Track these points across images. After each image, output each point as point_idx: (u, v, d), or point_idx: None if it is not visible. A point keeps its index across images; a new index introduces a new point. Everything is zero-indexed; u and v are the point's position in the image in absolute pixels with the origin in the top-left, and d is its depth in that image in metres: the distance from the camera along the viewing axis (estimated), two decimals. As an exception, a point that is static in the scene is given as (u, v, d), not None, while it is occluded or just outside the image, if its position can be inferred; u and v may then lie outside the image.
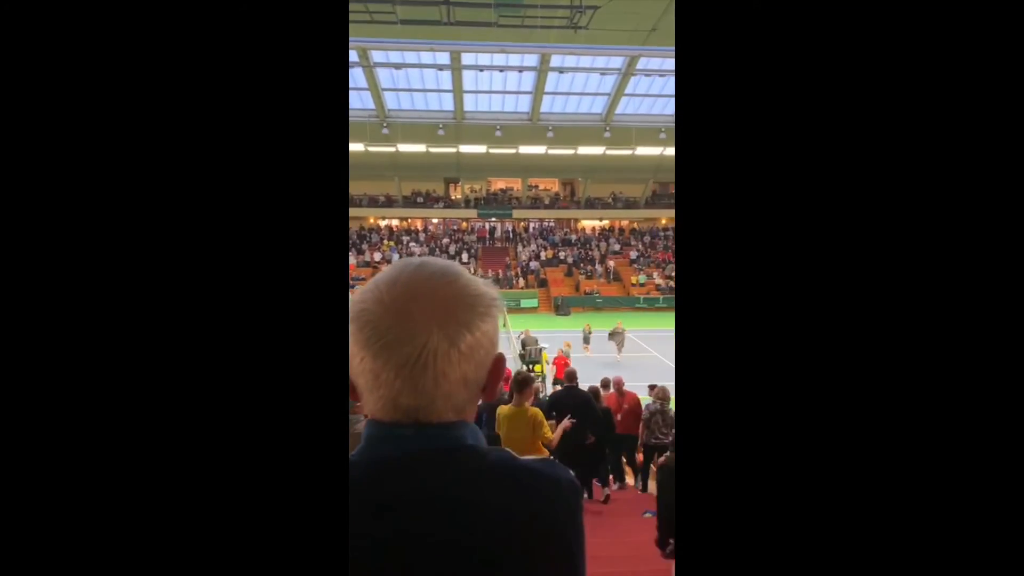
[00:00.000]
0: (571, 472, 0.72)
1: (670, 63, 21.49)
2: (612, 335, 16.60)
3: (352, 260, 25.14)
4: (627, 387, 7.75)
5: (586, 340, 17.03)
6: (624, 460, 7.71)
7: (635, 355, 16.41)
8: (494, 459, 0.68)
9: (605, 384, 7.85)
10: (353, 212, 28.64)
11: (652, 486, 6.40)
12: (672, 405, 7.08)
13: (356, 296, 0.69)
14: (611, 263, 28.05)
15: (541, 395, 10.22)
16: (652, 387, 7.65)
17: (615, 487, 7.16)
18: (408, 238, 29.60)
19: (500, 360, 0.72)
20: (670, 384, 7.81)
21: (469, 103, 24.70)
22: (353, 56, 20.52)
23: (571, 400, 6.01)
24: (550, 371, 13.38)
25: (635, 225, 31.72)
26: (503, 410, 4.60)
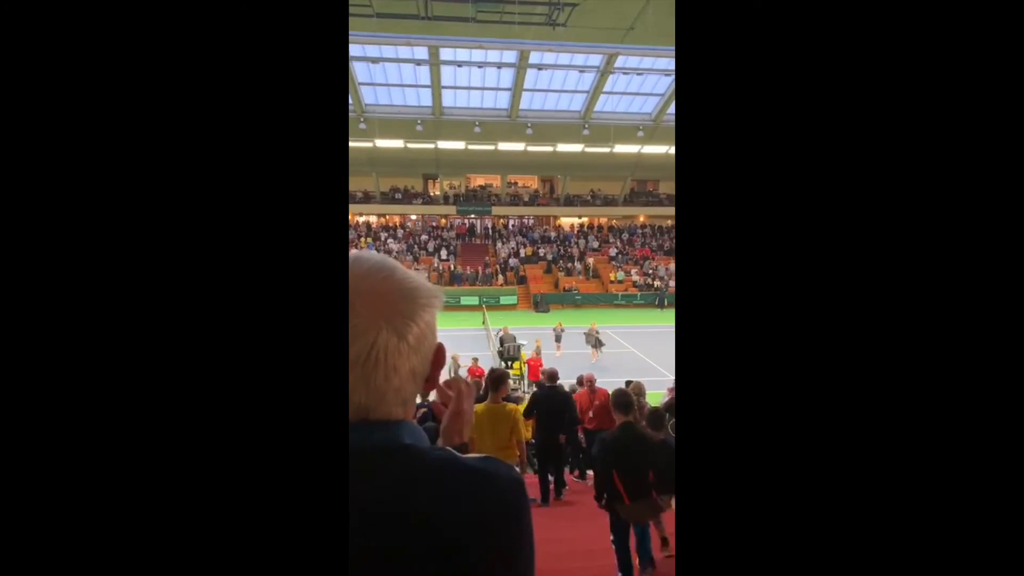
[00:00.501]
0: (515, 469, 0.71)
1: (648, 61, 21.61)
2: (587, 336, 16.67)
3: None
4: (604, 383, 7.79)
5: (558, 339, 17.08)
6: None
7: (613, 351, 16.51)
8: (433, 459, 0.67)
9: (580, 382, 7.88)
10: (330, 208, 28.19)
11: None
12: (648, 399, 7.15)
13: None
14: (590, 260, 28.22)
15: (518, 392, 10.23)
16: (628, 383, 7.70)
17: (591, 481, 7.21)
18: (386, 234, 29.41)
19: (441, 350, 0.73)
20: (646, 380, 7.90)
21: (447, 99, 24.54)
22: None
23: (554, 398, 6.04)
24: (526, 371, 13.41)
25: (614, 222, 31.92)
26: (478, 408, 4.44)
